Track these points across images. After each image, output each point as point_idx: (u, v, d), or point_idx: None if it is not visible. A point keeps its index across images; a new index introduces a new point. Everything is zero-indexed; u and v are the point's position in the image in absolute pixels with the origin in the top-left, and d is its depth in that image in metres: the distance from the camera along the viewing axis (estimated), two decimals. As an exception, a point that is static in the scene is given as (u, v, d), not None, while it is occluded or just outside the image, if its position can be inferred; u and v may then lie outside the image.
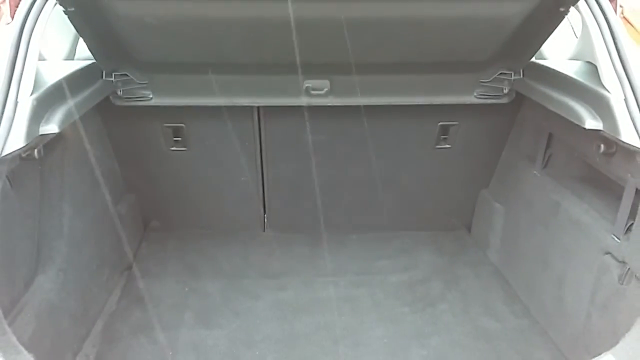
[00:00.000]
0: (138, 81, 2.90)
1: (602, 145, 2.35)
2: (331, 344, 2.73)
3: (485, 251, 3.49)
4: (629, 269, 2.20)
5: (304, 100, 2.97)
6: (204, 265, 3.35)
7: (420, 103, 3.02)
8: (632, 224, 2.20)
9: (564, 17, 2.46)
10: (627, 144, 2.14)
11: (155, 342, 2.69)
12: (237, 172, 3.44)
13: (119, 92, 2.90)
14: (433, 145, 3.38)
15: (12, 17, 2.28)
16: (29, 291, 2.21)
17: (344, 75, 2.88)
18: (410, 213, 3.68)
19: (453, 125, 3.29)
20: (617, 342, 1.85)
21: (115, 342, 2.68)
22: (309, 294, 3.12)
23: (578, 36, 3.12)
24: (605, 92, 2.26)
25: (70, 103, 2.35)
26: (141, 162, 3.34)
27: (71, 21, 2.41)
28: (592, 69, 2.52)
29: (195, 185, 3.49)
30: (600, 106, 2.27)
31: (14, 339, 1.70)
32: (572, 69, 2.66)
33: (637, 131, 2.13)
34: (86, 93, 2.56)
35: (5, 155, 1.95)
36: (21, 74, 2.09)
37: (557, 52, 3.38)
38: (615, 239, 2.31)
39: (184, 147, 3.30)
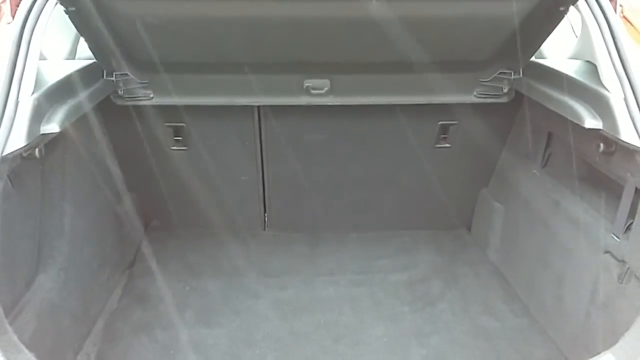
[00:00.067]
0: (139, 81, 2.90)
1: (601, 145, 2.35)
2: (331, 342, 2.74)
3: (484, 250, 3.49)
4: (628, 268, 2.20)
5: (304, 100, 2.97)
6: (205, 264, 3.36)
7: (420, 102, 3.01)
8: (632, 223, 2.21)
9: (563, 17, 2.46)
10: (627, 143, 2.14)
11: (156, 341, 2.70)
12: (237, 172, 3.45)
13: (119, 92, 2.90)
14: (433, 145, 3.38)
15: (13, 17, 2.28)
16: (30, 290, 2.22)
17: (344, 75, 2.88)
18: (410, 212, 3.68)
19: (453, 124, 3.29)
20: (616, 341, 1.85)
21: (116, 341, 2.69)
22: (309, 293, 3.12)
23: (578, 35, 3.12)
24: (605, 92, 2.26)
25: (71, 102, 2.35)
26: (142, 162, 3.34)
27: (72, 21, 2.41)
28: (592, 68, 2.51)
29: (196, 184, 3.49)
30: (600, 105, 2.26)
31: (15, 338, 1.71)
32: (571, 68, 2.65)
33: (636, 130, 2.13)
34: (87, 92, 2.56)
35: (7, 155, 1.94)
36: (22, 73, 2.08)
37: (557, 52, 3.38)
38: (615, 238, 2.31)
39: (185, 146, 3.30)
